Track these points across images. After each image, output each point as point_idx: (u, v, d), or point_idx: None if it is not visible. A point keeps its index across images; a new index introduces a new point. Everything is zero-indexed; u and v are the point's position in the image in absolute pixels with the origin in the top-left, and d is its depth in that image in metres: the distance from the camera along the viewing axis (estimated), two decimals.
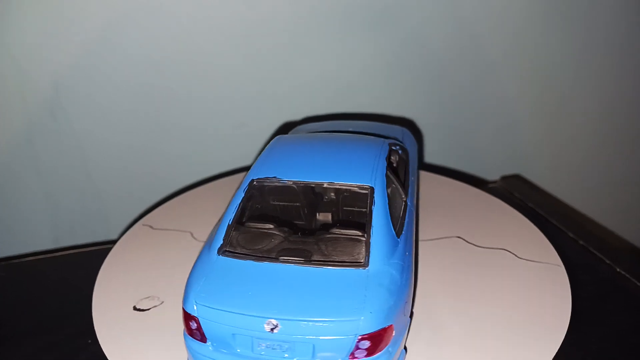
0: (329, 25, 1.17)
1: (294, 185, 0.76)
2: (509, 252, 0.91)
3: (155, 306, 0.82)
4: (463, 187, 1.12)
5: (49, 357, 0.79)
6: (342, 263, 0.65)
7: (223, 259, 0.67)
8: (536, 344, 0.74)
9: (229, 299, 0.62)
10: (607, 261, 0.98)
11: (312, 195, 0.79)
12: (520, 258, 0.90)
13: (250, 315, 0.61)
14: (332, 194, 0.78)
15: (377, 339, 0.60)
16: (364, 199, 0.72)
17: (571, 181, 1.56)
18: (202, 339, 0.64)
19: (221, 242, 0.69)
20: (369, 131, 0.99)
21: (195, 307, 0.63)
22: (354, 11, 1.17)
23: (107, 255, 0.94)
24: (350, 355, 0.60)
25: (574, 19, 1.33)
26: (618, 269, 0.96)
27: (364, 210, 0.72)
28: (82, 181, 1.20)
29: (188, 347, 0.66)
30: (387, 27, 1.21)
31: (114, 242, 0.96)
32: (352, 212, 0.78)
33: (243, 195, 0.75)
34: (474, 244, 0.94)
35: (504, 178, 1.34)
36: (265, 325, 0.60)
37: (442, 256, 0.91)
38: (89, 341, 0.78)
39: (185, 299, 0.64)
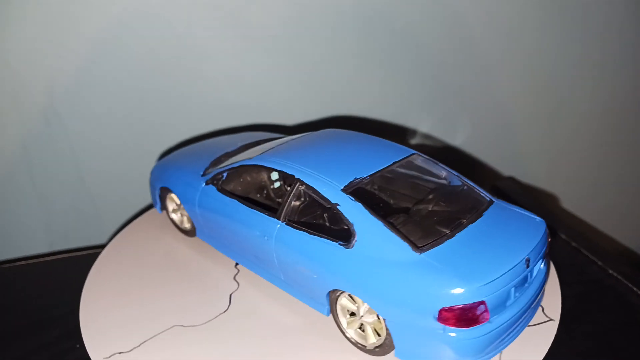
0: (322, 29, 1.17)
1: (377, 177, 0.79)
2: None
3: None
4: None
5: (36, 358, 0.80)
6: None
7: (436, 248, 0.68)
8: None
9: (490, 263, 0.66)
10: (599, 263, 0.98)
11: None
12: None
13: (515, 264, 0.66)
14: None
15: None
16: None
17: (562, 183, 1.55)
18: (486, 317, 0.64)
19: (429, 242, 0.69)
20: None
21: (480, 292, 0.63)
22: (347, 14, 1.17)
23: (96, 259, 0.95)
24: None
25: (571, 20, 1.33)
26: (610, 271, 0.95)
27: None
28: (76, 185, 1.20)
29: (466, 347, 0.65)
30: (381, 30, 1.21)
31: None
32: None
33: (353, 199, 0.73)
34: None
35: (498, 181, 1.34)
36: (525, 265, 0.68)
37: None
38: (77, 345, 0.78)
39: (466, 294, 0.63)
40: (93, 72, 1.10)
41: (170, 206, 1.01)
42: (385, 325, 0.68)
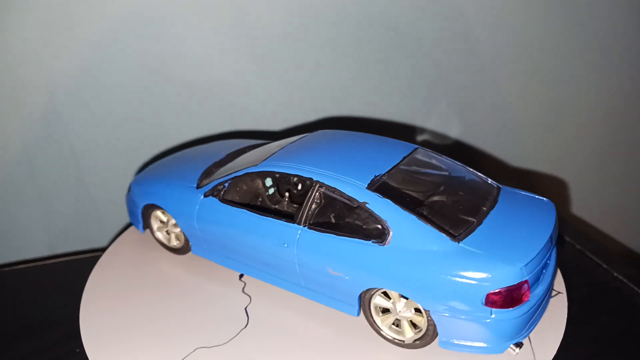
0: (323, 31, 1.17)
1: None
2: None
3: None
4: None
5: None
6: None
7: (470, 236, 0.71)
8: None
9: (523, 244, 0.70)
10: (604, 265, 0.97)
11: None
12: None
13: (545, 243, 0.71)
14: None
15: None
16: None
17: (566, 184, 1.54)
18: (528, 296, 0.68)
19: (462, 230, 0.72)
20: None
21: (523, 272, 0.66)
22: (349, 15, 1.16)
23: (97, 262, 0.94)
24: None
25: (573, 19, 1.33)
26: (615, 274, 0.95)
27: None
28: (76, 187, 1.20)
29: (509, 327, 0.68)
30: (382, 30, 1.20)
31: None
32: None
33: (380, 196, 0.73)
34: None
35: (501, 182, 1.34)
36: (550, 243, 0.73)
37: None
38: (77, 350, 0.77)
39: (511, 275, 0.66)
40: (94, 74, 1.10)
41: (155, 224, 0.96)
42: (429, 316, 0.69)
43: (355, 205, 0.74)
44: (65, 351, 0.79)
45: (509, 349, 0.70)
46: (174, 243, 0.95)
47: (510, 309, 0.67)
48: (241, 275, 0.89)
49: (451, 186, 0.80)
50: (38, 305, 0.92)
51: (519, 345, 0.71)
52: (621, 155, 1.57)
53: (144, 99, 1.15)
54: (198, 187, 0.89)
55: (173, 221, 0.93)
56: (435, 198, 0.78)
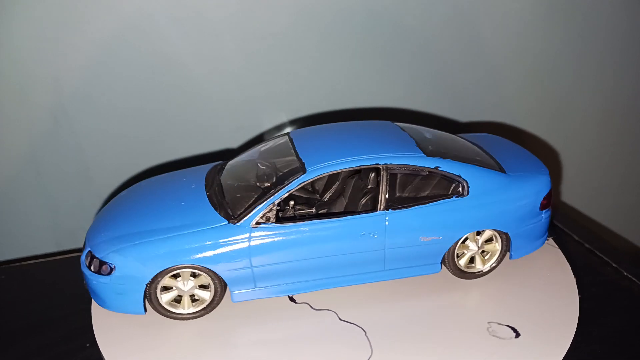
0: (326, 26, 1.17)
1: None
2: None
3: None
4: None
5: (44, 358, 0.79)
6: None
7: (507, 168, 0.88)
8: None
9: (533, 162, 0.93)
10: (614, 264, 0.97)
11: None
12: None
13: None
14: None
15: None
16: None
17: (575, 183, 1.54)
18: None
19: (502, 167, 0.88)
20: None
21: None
22: (353, 11, 1.16)
23: None
24: None
25: (575, 19, 1.32)
26: (625, 273, 0.94)
27: None
28: (83, 184, 1.20)
29: (548, 222, 0.90)
30: (386, 26, 1.20)
31: None
32: None
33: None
34: None
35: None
36: None
37: None
38: (87, 345, 0.77)
39: (549, 180, 0.88)
40: (100, 71, 1.10)
41: (165, 297, 0.77)
42: (507, 237, 0.85)
43: (426, 173, 0.80)
44: (75, 346, 0.79)
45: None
46: (190, 310, 0.78)
47: (549, 209, 0.88)
48: (291, 299, 0.83)
49: (467, 147, 0.91)
50: (45, 301, 0.92)
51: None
52: (628, 151, 1.57)
53: (150, 97, 1.15)
54: (234, 222, 0.76)
55: (191, 283, 0.77)
56: (469, 155, 0.88)
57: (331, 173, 0.78)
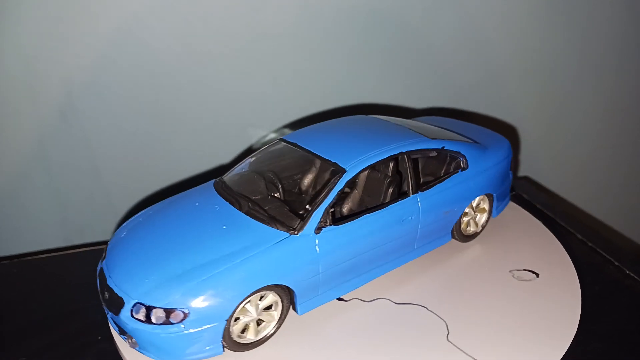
0: (332, 26, 1.18)
1: None
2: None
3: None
4: None
5: (56, 352, 0.80)
6: None
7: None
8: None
9: (491, 140, 1.05)
10: (616, 263, 0.98)
11: None
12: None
13: None
14: None
15: None
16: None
17: (577, 182, 1.55)
18: None
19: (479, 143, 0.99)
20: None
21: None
22: (357, 11, 1.17)
23: None
24: None
25: (576, 19, 1.33)
26: (627, 271, 0.95)
27: None
28: (92, 180, 1.21)
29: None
30: (389, 27, 1.21)
31: None
32: None
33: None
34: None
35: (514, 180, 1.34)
36: None
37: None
38: (99, 337, 0.78)
39: (509, 147, 1.04)
40: (109, 68, 1.11)
41: (238, 328, 0.71)
42: (492, 198, 0.98)
43: (434, 154, 0.90)
44: (88, 340, 0.81)
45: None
46: (253, 335, 0.73)
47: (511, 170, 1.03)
48: (340, 299, 0.83)
49: (445, 128, 1.01)
50: (56, 296, 0.94)
51: None
52: (630, 150, 1.57)
53: (159, 93, 1.16)
54: (294, 232, 0.74)
55: (256, 306, 0.72)
56: (453, 134, 0.98)
57: (366, 167, 0.82)
